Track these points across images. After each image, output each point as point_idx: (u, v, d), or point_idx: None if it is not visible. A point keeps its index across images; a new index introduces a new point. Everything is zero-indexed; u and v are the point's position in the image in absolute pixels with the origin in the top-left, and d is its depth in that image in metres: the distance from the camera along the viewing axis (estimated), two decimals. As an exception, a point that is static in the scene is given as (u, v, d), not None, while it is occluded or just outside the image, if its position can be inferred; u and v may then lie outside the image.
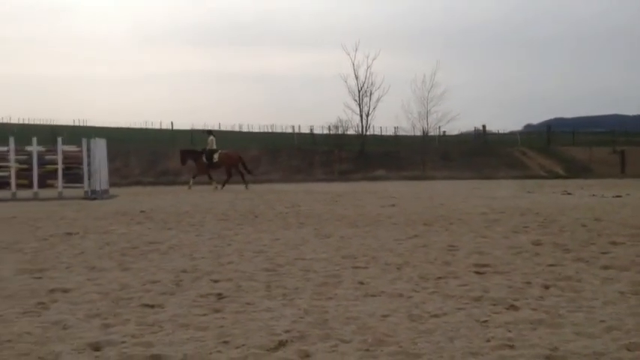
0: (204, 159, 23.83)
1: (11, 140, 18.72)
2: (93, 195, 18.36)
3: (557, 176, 36.45)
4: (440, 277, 5.10)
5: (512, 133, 52.17)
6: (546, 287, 4.66)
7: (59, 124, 45.15)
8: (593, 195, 17.11)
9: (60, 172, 18.68)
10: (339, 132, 41.84)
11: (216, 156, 23.78)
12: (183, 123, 45.37)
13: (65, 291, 4.69)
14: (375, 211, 11.79)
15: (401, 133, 45.61)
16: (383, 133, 48.56)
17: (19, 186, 18.45)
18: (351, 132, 42.43)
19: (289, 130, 48.37)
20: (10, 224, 10.16)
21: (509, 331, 3.48)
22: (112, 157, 22.08)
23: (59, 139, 19.39)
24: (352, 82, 43.01)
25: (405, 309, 4.03)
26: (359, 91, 42.70)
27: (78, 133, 26.82)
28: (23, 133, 24.93)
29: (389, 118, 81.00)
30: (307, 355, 3.14)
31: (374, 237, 7.84)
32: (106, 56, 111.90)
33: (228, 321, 3.78)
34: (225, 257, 6.30)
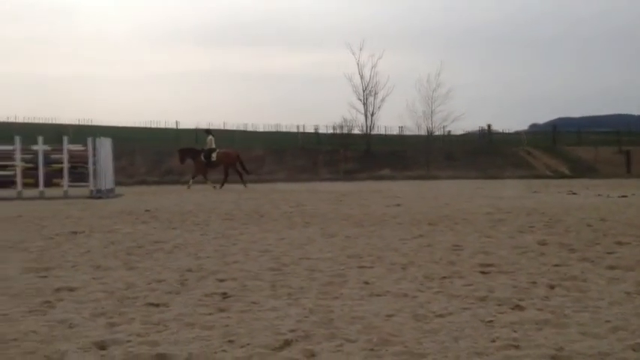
0: (202, 158, 23.88)
1: (17, 139, 18.79)
2: (98, 194, 18.41)
3: (563, 176, 36.38)
4: (445, 277, 5.09)
5: (517, 133, 52.02)
6: (552, 287, 4.65)
7: (64, 123, 45.26)
8: (599, 195, 17.06)
9: (66, 171, 18.75)
10: (344, 131, 41.86)
11: (214, 155, 23.82)
12: (187, 122, 45.45)
13: (71, 290, 4.71)
14: (380, 211, 11.78)
15: (406, 132, 45.59)
16: (388, 133, 48.51)
17: (25, 185, 18.54)
18: (356, 131, 42.45)
19: (294, 130, 48.36)
20: (16, 223, 10.20)
21: (515, 332, 3.48)
22: (117, 157, 22.13)
23: (65, 139, 19.45)
24: (357, 81, 43.04)
25: (410, 309, 4.03)
26: (364, 91, 42.73)
27: (83, 133, 26.89)
28: (28, 132, 25.00)
29: (394, 118, 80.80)
30: (312, 355, 3.14)
31: (379, 236, 7.84)
32: (111, 56, 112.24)
33: (233, 320, 3.78)
34: (230, 256, 6.31)
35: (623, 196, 15.87)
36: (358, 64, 43.13)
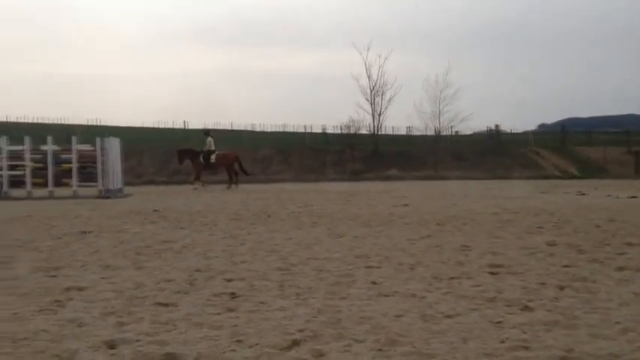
0: (201, 159, 23.94)
1: (27, 140, 18.92)
2: (107, 194, 18.50)
3: (572, 176, 36.21)
4: (453, 278, 5.08)
5: (525, 133, 51.84)
6: (561, 288, 4.63)
7: (73, 124, 45.49)
8: (608, 195, 16.97)
9: (75, 171, 18.84)
10: (352, 131, 41.84)
11: (213, 157, 23.88)
12: (196, 122, 45.55)
13: (80, 289, 4.73)
14: (387, 211, 11.77)
15: (414, 132, 45.53)
16: (395, 133, 48.46)
17: (34, 185, 18.66)
18: (363, 131, 42.43)
19: (301, 130, 48.43)
20: (26, 223, 10.27)
21: (524, 333, 3.46)
22: (125, 157, 22.23)
23: (74, 139, 19.56)
24: (364, 81, 43.02)
25: (418, 309, 4.02)
26: (371, 91, 42.69)
27: (92, 133, 27.02)
28: (37, 132, 25.15)
29: (401, 118, 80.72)
30: (321, 355, 3.15)
31: (387, 237, 7.83)
32: (119, 56, 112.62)
33: (241, 320, 3.79)
34: (238, 256, 6.32)
35: (633, 197, 15.78)
36: (365, 63, 43.11)
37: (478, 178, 33.54)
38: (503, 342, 3.29)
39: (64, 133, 28.38)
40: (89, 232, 8.61)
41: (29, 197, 17.96)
